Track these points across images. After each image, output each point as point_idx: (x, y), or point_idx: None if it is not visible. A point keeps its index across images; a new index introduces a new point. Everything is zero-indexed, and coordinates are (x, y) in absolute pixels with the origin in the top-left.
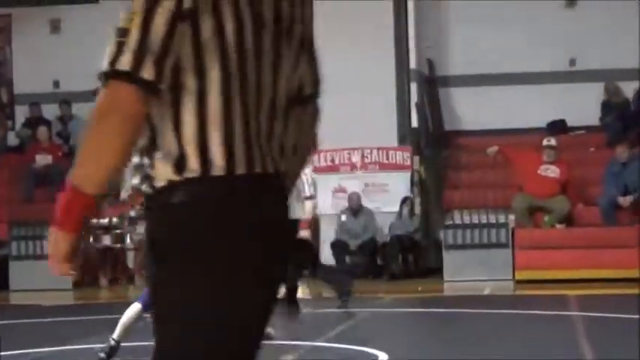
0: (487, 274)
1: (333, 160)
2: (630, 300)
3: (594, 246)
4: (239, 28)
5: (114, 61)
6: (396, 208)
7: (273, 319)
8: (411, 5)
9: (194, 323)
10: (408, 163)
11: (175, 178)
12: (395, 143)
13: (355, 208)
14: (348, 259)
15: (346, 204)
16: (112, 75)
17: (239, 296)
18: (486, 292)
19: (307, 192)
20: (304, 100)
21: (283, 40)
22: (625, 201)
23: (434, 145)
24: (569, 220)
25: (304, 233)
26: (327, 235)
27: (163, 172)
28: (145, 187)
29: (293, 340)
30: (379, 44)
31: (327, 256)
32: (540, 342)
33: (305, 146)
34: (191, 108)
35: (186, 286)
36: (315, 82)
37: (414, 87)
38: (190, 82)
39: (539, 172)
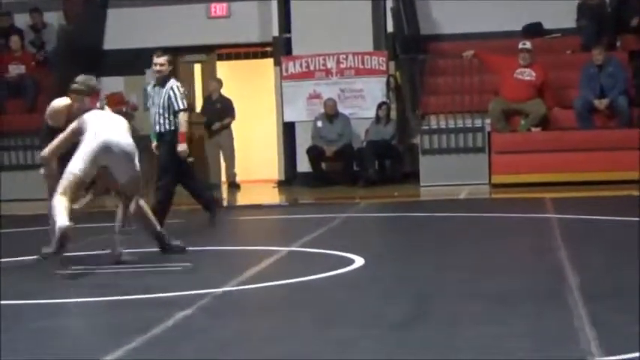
0: (463, 178)
1: (308, 67)
2: (605, 202)
3: (570, 149)
4: None
5: None
6: (372, 114)
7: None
8: None
9: None
10: (384, 68)
11: None
12: (370, 48)
13: (331, 114)
14: (324, 165)
15: (321, 110)
16: None
17: None
18: (463, 196)
19: (181, 105)
20: None
21: None
22: (601, 104)
23: (410, 49)
24: (545, 124)
25: (182, 147)
26: (303, 141)
27: None
28: None
29: (269, 245)
30: None
31: (303, 163)
32: (516, 244)
33: None
34: None
35: None
36: None
37: None
38: None
39: (514, 75)
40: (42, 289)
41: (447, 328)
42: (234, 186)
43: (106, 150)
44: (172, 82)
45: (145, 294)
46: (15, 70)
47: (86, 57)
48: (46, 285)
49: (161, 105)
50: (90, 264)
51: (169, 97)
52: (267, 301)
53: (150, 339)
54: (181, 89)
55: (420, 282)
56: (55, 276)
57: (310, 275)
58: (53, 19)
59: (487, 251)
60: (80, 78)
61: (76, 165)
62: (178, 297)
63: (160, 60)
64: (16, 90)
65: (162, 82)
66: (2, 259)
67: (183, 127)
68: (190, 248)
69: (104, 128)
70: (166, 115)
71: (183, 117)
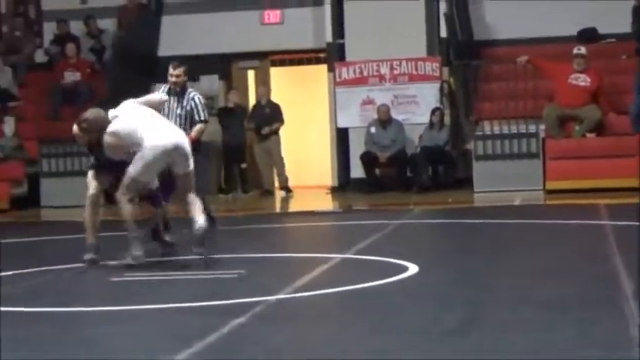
0: (517, 184)
1: (361, 72)
2: None
3: (625, 155)
4: None
5: None
6: (426, 120)
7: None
8: None
9: None
10: (437, 73)
11: None
12: (424, 54)
13: (384, 120)
14: (377, 171)
15: (375, 116)
16: None
17: None
18: (517, 202)
19: (202, 116)
20: None
21: None
22: None
23: (463, 55)
24: (600, 129)
25: None
26: (357, 147)
27: None
28: None
29: (323, 252)
30: None
31: (357, 169)
32: (570, 251)
33: None
34: None
35: None
36: None
37: None
38: None
39: (569, 81)
40: (96, 296)
41: (501, 335)
42: (286, 190)
43: (168, 154)
44: (194, 93)
45: (199, 301)
46: (70, 77)
47: (141, 64)
48: (100, 292)
49: (184, 115)
50: (145, 271)
51: (192, 108)
52: (321, 308)
53: (205, 346)
54: (203, 100)
55: (474, 288)
56: (110, 283)
57: (364, 283)
58: (109, 25)
59: (541, 258)
60: (90, 114)
61: (134, 169)
62: (233, 304)
63: (177, 72)
64: (71, 97)
65: (180, 92)
66: (58, 266)
67: (195, 133)
68: (244, 255)
69: (159, 131)
70: (188, 125)
71: (202, 127)
